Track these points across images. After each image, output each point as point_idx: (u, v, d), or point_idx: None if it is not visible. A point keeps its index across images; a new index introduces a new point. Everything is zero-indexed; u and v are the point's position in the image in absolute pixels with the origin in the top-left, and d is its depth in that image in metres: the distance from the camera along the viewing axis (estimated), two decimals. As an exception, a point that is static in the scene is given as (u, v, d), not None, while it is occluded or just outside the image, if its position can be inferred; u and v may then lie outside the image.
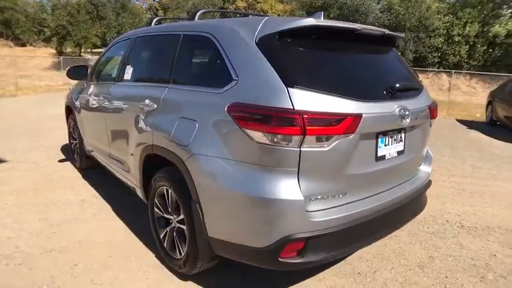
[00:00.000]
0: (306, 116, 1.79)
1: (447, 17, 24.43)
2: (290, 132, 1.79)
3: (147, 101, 2.68)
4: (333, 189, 2.00)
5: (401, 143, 2.36)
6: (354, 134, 1.95)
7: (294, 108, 1.79)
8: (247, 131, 1.89)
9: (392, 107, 2.17)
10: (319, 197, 1.96)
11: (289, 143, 1.81)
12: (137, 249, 2.89)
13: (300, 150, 1.82)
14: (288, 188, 1.86)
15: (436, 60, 24.03)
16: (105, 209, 3.62)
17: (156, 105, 2.58)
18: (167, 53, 2.72)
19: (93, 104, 3.75)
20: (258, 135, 1.85)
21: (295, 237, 1.89)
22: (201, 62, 2.59)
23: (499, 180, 5.18)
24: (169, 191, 2.48)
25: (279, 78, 1.86)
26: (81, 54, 29.47)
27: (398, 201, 2.35)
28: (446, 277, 2.73)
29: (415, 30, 25.06)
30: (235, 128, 1.93)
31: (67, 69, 4.05)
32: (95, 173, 4.55)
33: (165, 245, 2.66)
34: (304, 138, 1.80)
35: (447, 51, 23.98)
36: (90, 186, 4.19)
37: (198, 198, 2.15)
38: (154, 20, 3.35)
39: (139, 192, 2.97)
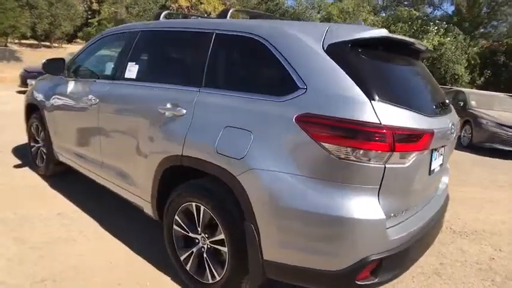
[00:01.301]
0: (395, 132, 1.71)
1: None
2: (378, 148, 1.69)
3: (169, 105, 2.36)
4: (401, 205, 1.96)
5: (441, 157, 2.38)
6: (427, 150, 1.92)
7: (381, 123, 1.69)
8: (325, 144, 1.73)
9: (447, 122, 2.20)
10: (392, 214, 1.89)
11: (375, 159, 1.72)
12: (148, 273, 2.54)
13: (385, 167, 1.73)
14: (369, 207, 1.77)
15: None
16: (90, 224, 3.15)
17: (185, 111, 2.26)
18: (196, 52, 2.44)
19: (76, 105, 3.25)
20: (338, 150, 1.71)
21: (373, 258, 1.79)
22: (247, 66, 2.31)
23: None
24: (202, 207, 2.20)
25: (360, 90, 1.75)
26: (7, 44, 26.24)
27: (438, 212, 2.38)
28: (463, 282, 2.81)
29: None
30: (307, 141, 1.76)
31: (43, 61, 3.46)
32: (63, 180, 3.99)
33: (187, 267, 2.36)
34: (391, 154, 1.72)
35: (382, 61, 25.80)
36: (62, 197, 3.64)
37: (255, 217, 1.92)
38: (163, 14, 2.98)
39: (149, 208, 2.61)
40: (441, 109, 2.24)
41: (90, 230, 3.06)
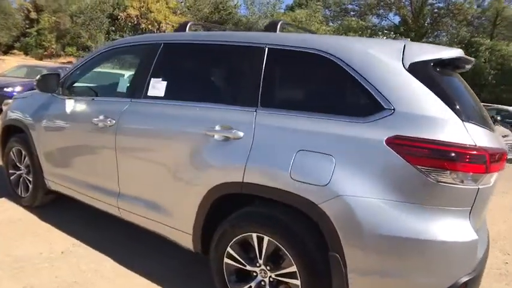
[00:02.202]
0: (489, 153, 1.70)
1: (331, 39, 27.37)
2: (476, 170, 1.68)
3: (218, 127, 2.12)
4: (477, 225, 1.89)
5: None
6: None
7: (476, 145, 1.67)
8: (421, 167, 1.66)
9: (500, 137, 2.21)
10: None
11: (471, 181, 1.69)
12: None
13: (478, 188, 1.71)
14: (464, 229, 1.74)
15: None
16: (103, 260, 2.76)
17: (242, 133, 2.04)
18: (244, 69, 2.25)
19: (81, 126, 2.86)
20: (435, 173, 1.65)
21: (464, 280, 1.75)
22: (315, 85, 2.14)
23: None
24: (266, 238, 1.98)
25: (451, 111, 1.71)
26: None
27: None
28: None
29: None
30: (400, 164, 1.68)
31: (38, 77, 3.01)
32: (52, 211, 3.51)
33: (243, 305, 2.12)
34: (485, 175, 1.70)
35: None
36: (59, 231, 3.17)
37: (342, 247, 1.76)
38: (189, 25, 2.70)
39: (188, 241, 2.31)
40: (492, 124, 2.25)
41: (106, 267, 2.68)
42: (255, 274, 2.09)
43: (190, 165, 2.22)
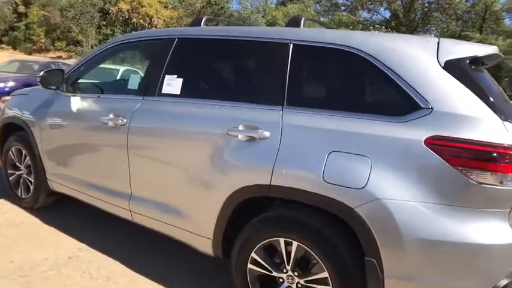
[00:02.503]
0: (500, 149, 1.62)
1: (324, 34, 27.29)
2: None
3: (241, 127, 2.00)
4: None
5: None
6: None
7: None
8: (462, 169, 1.59)
9: None
10: None
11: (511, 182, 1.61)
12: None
13: None
14: (504, 231, 1.68)
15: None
16: (113, 266, 2.62)
17: (268, 133, 1.92)
18: (267, 65, 2.12)
19: (87, 125, 2.71)
20: (477, 174, 1.59)
21: (504, 283, 1.69)
22: (345, 83, 2.04)
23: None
24: (295, 243, 1.88)
25: (490, 110, 1.65)
26: None
27: None
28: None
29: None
30: (440, 165, 1.61)
31: (41, 73, 2.83)
32: (54, 212, 3.36)
33: (269, 311, 2.02)
34: None
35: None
36: (62, 234, 3.02)
37: (379, 252, 1.68)
38: (204, 19, 2.56)
39: (207, 246, 2.20)
40: None
41: (117, 273, 2.54)
42: (281, 280, 1.99)
43: (210, 167, 2.10)
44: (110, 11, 25.30)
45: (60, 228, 3.11)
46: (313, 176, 1.77)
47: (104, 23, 25.31)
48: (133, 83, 2.61)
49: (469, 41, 24.50)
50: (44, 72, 2.81)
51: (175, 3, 27.95)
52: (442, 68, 1.73)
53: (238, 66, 2.39)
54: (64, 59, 22.62)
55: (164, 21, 26.49)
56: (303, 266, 1.92)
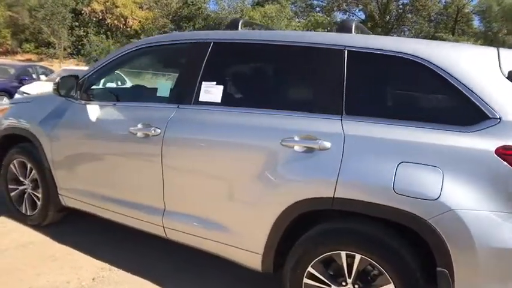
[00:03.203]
0: None
1: (301, 35, 27.53)
2: None
3: (297, 138, 1.91)
4: None
5: None
6: None
7: None
8: None
9: None
10: None
11: None
12: None
13: None
14: None
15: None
16: (144, 286, 2.45)
17: (329, 144, 1.84)
18: (322, 72, 2.04)
19: (112, 137, 2.52)
20: None
21: None
22: (408, 92, 2.01)
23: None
24: (358, 256, 1.81)
25: None
26: None
27: None
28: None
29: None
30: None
31: (58, 80, 2.60)
32: (63, 229, 3.13)
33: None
34: None
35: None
36: (79, 253, 2.80)
37: (452, 263, 1.65)
38: (241, 23, 2.42)
39: (256, 261, 2.08)
40: None
41: None
42: (339, 294, 1.91)
43: (262, 180, 1.98)
44: (82, 12, 24.42)
45: (74, 246, 2.90)
46: (383, 188, 1.71)
47: (77, 24, 24.42)
48: (163, 90, 2.43)
49: (441, 41, 25.55)
50: (61, 79, 2.58)
51: (151, 3, 27.38)
52: (506, 78, 1.72)
53: (288, 73, 2.26)
54: (34, 61, 21.67)
55: (139, 22, 25.87)
56: (365, 278, 1.85)
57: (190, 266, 2.69)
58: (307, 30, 28.11)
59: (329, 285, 1.91)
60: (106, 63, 2.75)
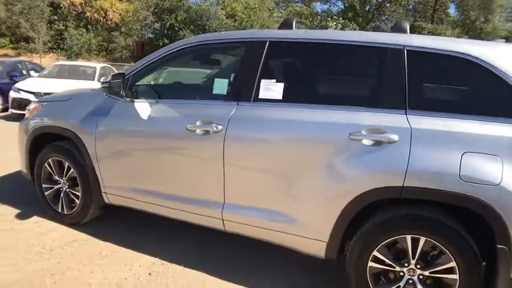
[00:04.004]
0: None
1: (284, 26, 27.53)
2: None
3: (365, 132, 2.04)
4: None
5: None
6: None
7: None
8: None
9: None
10: None
11: None
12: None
13: None
14: None
15: (279, 64, 26.62)
16: (204, 279, 2.52)
17: (397, 137, 1.98)
18: (384, 70, 2.16)
19: (167, 134, 2.58)
20: None
21: None
22: (463, 88, 2.16)
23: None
24: (422, 238, 1.97)
25: None
26: None
27: None
28: None
29: (258, 36, 27.30)
30: None
31: (110, 78, 2.60)
32: (100, 226, 3.16)
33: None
34: None
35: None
36: (124, 249, 2.85)
37: (510, 240, 1.84)
38: (295, 22, 2.49)
39: (320, 249, 2.22)
40: None
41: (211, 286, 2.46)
42: (401, 274, 2.06)
43: (330, 172, 2.11)
44: (61, 5, 23.60)
45: (118, 243, 2.93)
46: (450, 176, 1.87)
47: (56, 17, 23.61)
48: (219, 87, 2.48)
49: (421, 31, 26.14)
50: (112, 77, 2.59)
51: (131, -5, 26.73)
52: None
53: (350, 71, 2.39)
54: (12, 57, 20.89)
55: (120, 14, 25.25)
56: (426, 259, 2.02)
57: (239, 258, 2.79)
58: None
59: (393, 267, 2.06)
60: (154, 60, 2.76)
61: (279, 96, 2.27)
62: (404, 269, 2.05)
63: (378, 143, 2.01)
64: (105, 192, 2.93)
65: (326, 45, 2.34)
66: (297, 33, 2.46)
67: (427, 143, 1.95)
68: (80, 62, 15.00)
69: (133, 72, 2.76)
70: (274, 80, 2.30)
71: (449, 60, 2.06)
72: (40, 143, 3.22)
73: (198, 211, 2.53)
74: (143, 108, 2.63)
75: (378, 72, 2.20)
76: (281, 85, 2.28)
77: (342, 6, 31.55)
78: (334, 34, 2.48)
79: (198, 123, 2.40)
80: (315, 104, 2.24)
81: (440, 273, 1.99)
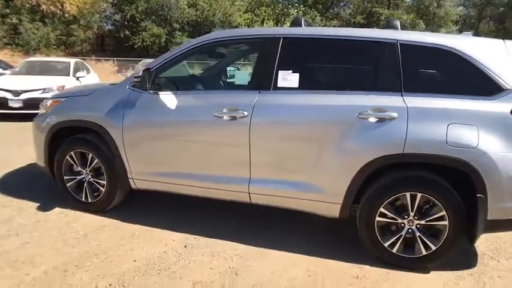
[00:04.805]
0: None
1: (247, 14, 27.67)
2: None
3: (370, 111, 2.51)
4: None
5: None
6: None
7: None
8: None
9: None
10: None
11: None
12: (349, 268, 2.63)
13: None
14: None
15: (242, 53, 26.75)
16: (233, 245, 2.89)
17: (396, 114, 2.46)
18: (382, 61, 2.63)
19: (196, 121, 2.92)
20: None
21: None
22: (446, 73, 2.66)
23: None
24: (418, 195, 2.48)
25: None
26: None
27: None
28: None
29: (221, 25, 27.33)
30: None
31: (141, 74, 2.83)
32: (122, 211, 3.43)
33: (394, 250, 2.61)
34: None
35: (251, 44, 27.12)
36: (154, 228, 3.15)
37: (486, 189, 2.37)
38: (304, 21, 2.91)
39: (335, 210, 2.68)
40: None
41: (244, 251, 2.83)
42: (402, 225, 2.57)
43: (344, 145, 2.56)
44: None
45: (146, 224, 3.23)
46: (439, 142, 2.38)
47: (8, 10, 22.31)
48: (240, 79, 2.85)
49: (378, 16, 27.24)
50: (143, 72, 2.84)
51: (88, -14, 25.69)
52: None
53: (354, 61, 2.83)
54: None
55: (77, 6, 24.27)
56: (421, 211, 2.53)
57: (256, 225, 3.20)
58: (251, 8, 28.32)
59: (396, 220, 2.56)
60: (175, 55, 3.08)
61: (296, 85, 2.69)
62: (405, 221, 2.55)
63: (381, 120, 2.49)
64: (132, 178, 3.21)
65: (334, 40, 2.78)
66: (308, 30, 2.88)
67: (420, 118, 2.44)
68: (51, 58, 14.56)
69: (156, 67, 3.04)
70: (291, 71, 2.70)
71: (434, 51, 2.55)
72: (57, 138, 3.42)
73: (226, 187, 2.92)
74: (169, 99, 2.94)
75: (377, 61, 2.66)
76: (297, 75, 2.69)
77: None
78: (338, 31, 2.92)
79: (224, 110, 2.77)
80: (327, 90, 2.69)
81: (433, 221, 2.51)
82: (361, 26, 26.46)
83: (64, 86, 8.11)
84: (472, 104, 2.42)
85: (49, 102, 3.53)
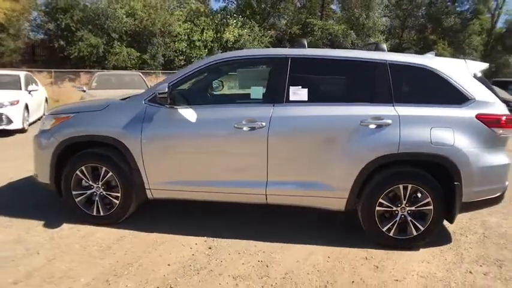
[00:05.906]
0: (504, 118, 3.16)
1: (186, 24, 27.71)
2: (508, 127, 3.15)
3: (370, 119, 3.06)
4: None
5: None
6: None
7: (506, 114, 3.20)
8: (493, 129, 3.10)
9: None
10: None
11: (507, 132, 3.17)
12: (355, 253, 3.13)
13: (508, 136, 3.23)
14: (505, 156, 3.24)
15: (182, 63, 26.61)
16: (254, 243, 3.23)
17: (391, 121, 3.04)
18: (375, 77, 3.21)
19: (216, 132, 3.26)
20: (497, 130, 3.12)
21: (506, 184, 3.27)
22: (426, 88, 3.24)
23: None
24: (409, 186, 3.09)
25: (497, 98, 3.19)
26: None
27: None
28: None
29: (161, 35, 27.09)
30: (483, 128, 3.10)
31: (166, 90, 3.07)
32: (135, 222, 3.57)
33: (391, 233, 3.17)
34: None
35: (190, 54, 27.16)
36: (173, 235, 3.36)
37: (461, 178, 3.04)
38: (306, 44, 3.40)
39: (342, 204, 3.18)
40: None
41: (268, 248, 3.18)
42: (396, 212, 3.15)
43: (349, 148, 3.09)
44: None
45: (163, 232, 3.43)
46: (426, 142, 3.01)
47: None
48: (255, 93, 3.24)
49: (312, 27, 28.97)
50: (167, 88, 3.09)
51: (13, -8, 23.84)
52: (473, 77, 3.19)
53: (354, 78, 3.37)
54: None
55: (4, 14, 22.40)
56: (411, 199, 3.13)
57: (265, 226, 3.59)
58: (191, 18, 28.39)
59: (391, 207, 3.13)
60: (190, 73, 3.40)
61: (305, 98, 3.18)
62: (399, 208, 3.14)
63: (379, 126, 3.06)
64: (150, 189, 3.41)
65: (335, 60, 3.34)
66: (313, 51, 3.41)
67: (409, 124, 3.06)
68: (-2, 71, 13.35)
69: (173, 83, 3.31)
70: (300, 86, 3.18)
71: (415, 70, 3.20)
72: (63, 154, 3.47)
73: (244, 191, 3.29)
74: (188, 113, 3.23)
75: (372, 78, 3.23)
76: (306, 90, 3.18)
77: (237, 4, 32.72)
78: (338, 52, 3.45)
79: (243, 122, 3.15)
80: (333, 103, 3.21)
81: (421, 207, 3.12)
82: (297, 36, 27.93)
83: (18, 101, 7.71)
84: (448, 111, 3.08)
85: (53, 119, 3.56)
